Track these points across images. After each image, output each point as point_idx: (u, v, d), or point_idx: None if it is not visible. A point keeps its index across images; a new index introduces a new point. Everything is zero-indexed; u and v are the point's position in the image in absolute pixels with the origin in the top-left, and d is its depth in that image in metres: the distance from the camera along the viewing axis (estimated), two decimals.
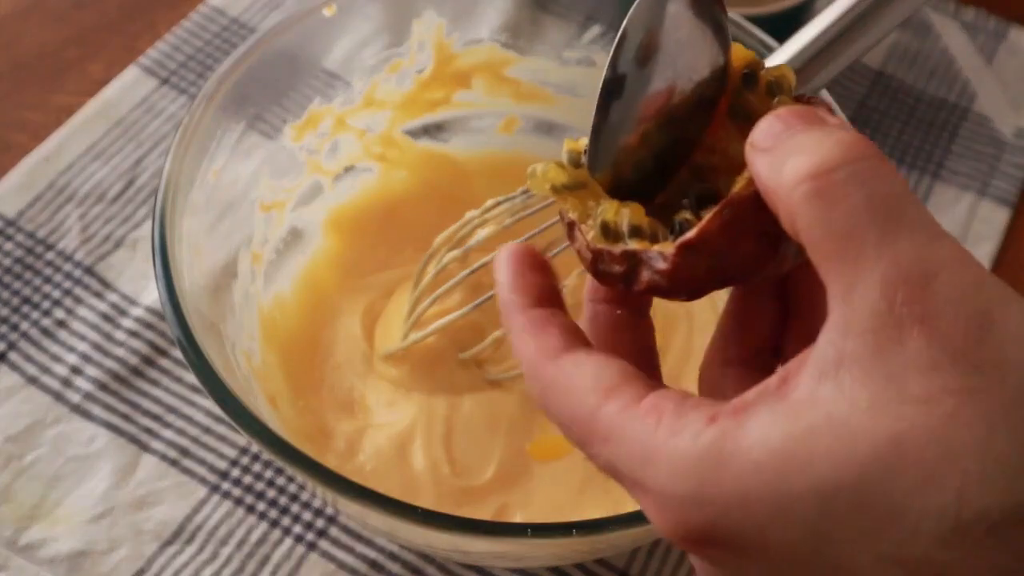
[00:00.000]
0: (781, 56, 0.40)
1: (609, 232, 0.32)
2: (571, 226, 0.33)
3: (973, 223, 0.69)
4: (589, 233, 0.32)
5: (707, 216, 0.30)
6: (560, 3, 0.64)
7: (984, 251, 0.67)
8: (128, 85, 0.69)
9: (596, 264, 0.32)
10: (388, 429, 0.55)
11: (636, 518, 0.42)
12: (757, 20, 0.55)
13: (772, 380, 0.27)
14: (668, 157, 0.34)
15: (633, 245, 0.31)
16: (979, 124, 0.73)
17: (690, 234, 0.30)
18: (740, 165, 0.30)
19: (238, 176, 0.55)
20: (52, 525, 0.54)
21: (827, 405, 0.25)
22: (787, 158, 0.27)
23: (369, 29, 0.59)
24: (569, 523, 0.42)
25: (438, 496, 0.53)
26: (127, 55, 0.71)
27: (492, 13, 0.63)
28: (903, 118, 0.73)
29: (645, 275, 0.31)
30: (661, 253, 0.30)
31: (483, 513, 0.53)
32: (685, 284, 0.31)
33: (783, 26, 0.52)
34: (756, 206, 0.29)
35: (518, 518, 0.54)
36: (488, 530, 0.42)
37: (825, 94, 0.51)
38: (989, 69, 0.76)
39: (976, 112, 0.74)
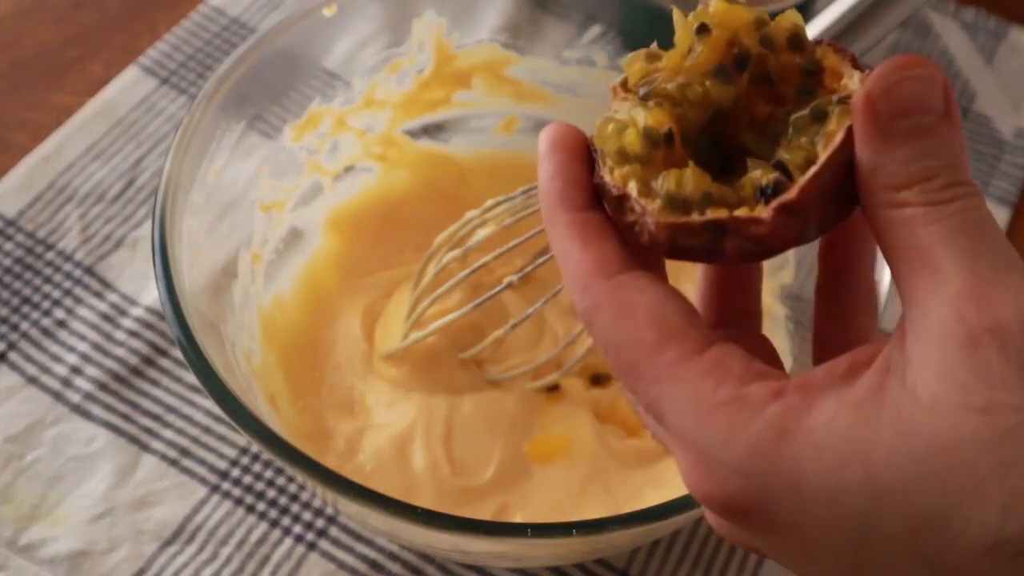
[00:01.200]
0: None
1: (676, 203, 0.30)
2: (622, 199, 0.30)
3: None
4: (652, 205, 0.30)
5: (806, 177, 0.29)
6: (560, 3, 0.64)
7: None
8: (128, 85, 0.70)
9: (674, 240, 0.30)
10: (388, 429, 0.55)
11: (636, 518, 0.42)
12: None
13: (840, 363, 0.27)
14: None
15: (712, 214, 0.29)
16: (979, 124, 0.73)
17: (791, 194, 0.29)
18: (764, 121, 0.30)
19: (238, 176, 0.55)
20: (52, 525, 0.54)
21: (893, 401, 0.26)
22: (893, 159, 0.27)
23: (369, 29, 0.59)
24: (569, 523, 0.42)
25: (438, 496, 0.53)
26: (127, 55, 0.71)
27: (492, 13, 0.63)
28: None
29: (732, 243, 0.29)
30: (756, 218, 0.29)
31: (483, 513, 0.53)
32: (775, 248, 0.30)
33: None
34: (847, 170, 0.29)
35: (518, 518, 0.54)
36: (488, 530, 0.42)
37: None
38: (989, 69, 0.76)
39: (976, 112, 0.74)
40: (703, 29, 0.31)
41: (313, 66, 0.59)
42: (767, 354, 0.34)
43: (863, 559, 0.26)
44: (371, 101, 0.61)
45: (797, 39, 0.31)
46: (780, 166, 0.29)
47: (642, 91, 0.32)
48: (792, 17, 0.31)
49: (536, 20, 0.64)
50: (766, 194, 0.29)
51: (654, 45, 0.32)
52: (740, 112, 0.32)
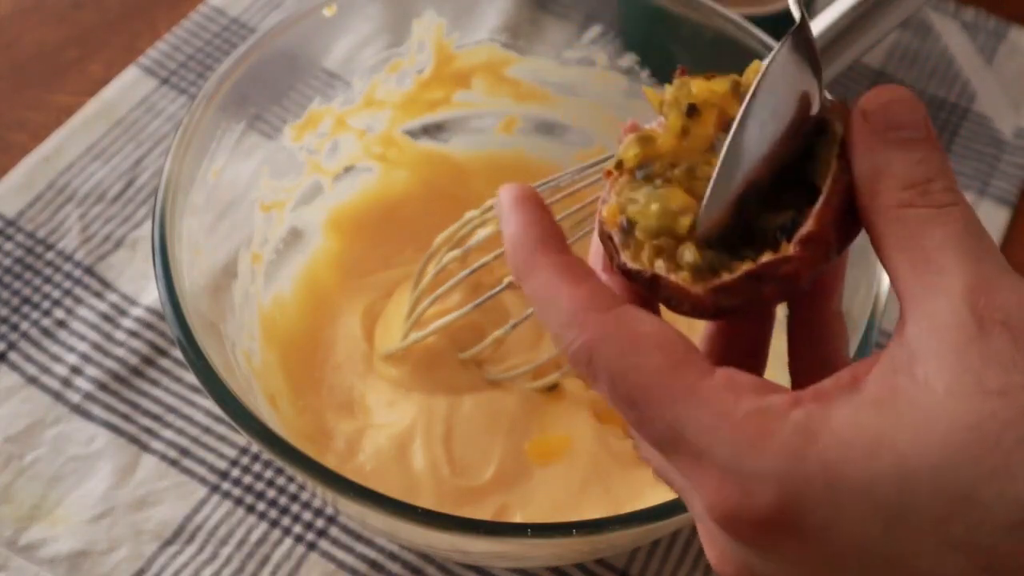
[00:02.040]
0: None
1: (704, 270, 0.31)
2: (653, 279, 0.31)
3: None
4: (681, 277, 0.31)
5: (818, 206, 0.30)
6: (560, 3, 0.64)
7: None
8: (128, 85, 0.70)
9: (718, 303, 0.31)
10: (388, 429, 0.55)
11: (636, 518, 0.42)
12: (757, 20, 0.55)
13: (843, 374, 0.28)
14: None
15: (743, 268, 0.30)
16: (979, 124, 0.73)
17: (810, 226, 0.30)
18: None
19: (238, 176, 0.55)
20: (52, 525, 0.54)
21: (908, 395, 0.27)
22: (892, 162, 0.29)
23: (369, 29, 0.59)
24: (569, 523, 0.42)
25: (438, 496, 0.53)
26: (127, 55, 0.71)
27: (492, 13, 0.63)
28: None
29: (769, 288, 0.30)
30: (784, 257, 0.30)
31: (483, 513, 0.53)
32: (806, 280, 0.31)
33: (783, 26, 0.52)
34: (848, 187, 0.30)
35: (518, 518, 0.54)
36: (488, 530, 0.42)
37: (825, 95, 0.51)
38: (989, 69, 0.76)
39: (976, 112, 0.74)
40: (693, 110, 0.32)
41: (313, 66, 0.59)
42: None
43: (894, 554, 0.26)
44: (371, 101, 0.61)
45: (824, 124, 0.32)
46: (791, 203, 0.31)
47: (640, 174, 0.33)
48: (756, 68, 0.32)
49: (536, 20, 0.64)
50: (786, 231, 0.30)
51: (646, 126, 0.34)
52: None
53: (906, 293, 0.28)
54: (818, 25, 0.40)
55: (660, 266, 0.31)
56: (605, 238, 0.33)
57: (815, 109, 0.31)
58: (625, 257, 0.32)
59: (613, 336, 0.29)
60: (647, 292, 0.32)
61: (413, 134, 0.63)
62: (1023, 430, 0.25)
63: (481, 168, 0.64)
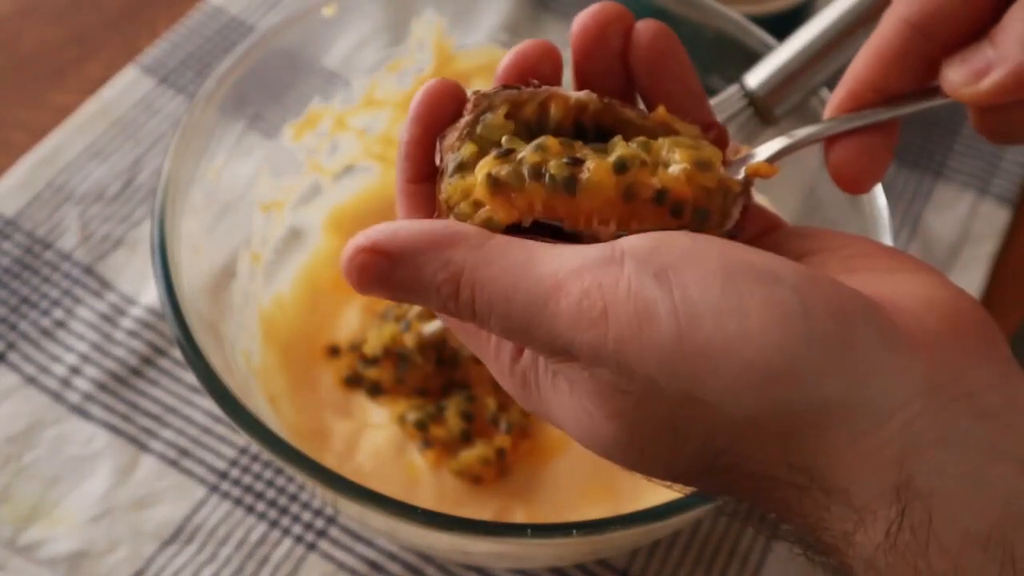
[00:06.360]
0: (781, 55, 0.40)
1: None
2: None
3: (974, 222, 0.68)
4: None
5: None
6: (560, 3, 0.64)
7: (985, 250, 0.67)
8: (127, 84, 0.69)
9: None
10: (387, 429, 0.55)
11: (636, 518, 0.42)
12: (757, 20, 0.55)
13: None
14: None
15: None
16: None
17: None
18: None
19: (238, 176, 0.55)
20: (51, 525, 0.54)
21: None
22: None
23: (369, 29, 0.59)
24: (569, 523, 0.42)
25: (438, 496, 0.53)
26: (126, 54, 0.71)
27: (492, 13, 0.63)
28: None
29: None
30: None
31: (483, 513, 0.53)
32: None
33: (783, 26, 0.52)
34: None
35: (518, 518, 0.54)
36: (488, 530, 0.42)
37: (826, 93, 0.51)
38: None
39: None
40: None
41: (313, 65, 0.59)
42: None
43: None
44: (371, 101, 0.61)
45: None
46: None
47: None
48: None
49: (536, 19, 0.64)
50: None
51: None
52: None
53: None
54: (819, 24, 0.40)
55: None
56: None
57: None
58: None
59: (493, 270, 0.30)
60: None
61: None
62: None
63: None
